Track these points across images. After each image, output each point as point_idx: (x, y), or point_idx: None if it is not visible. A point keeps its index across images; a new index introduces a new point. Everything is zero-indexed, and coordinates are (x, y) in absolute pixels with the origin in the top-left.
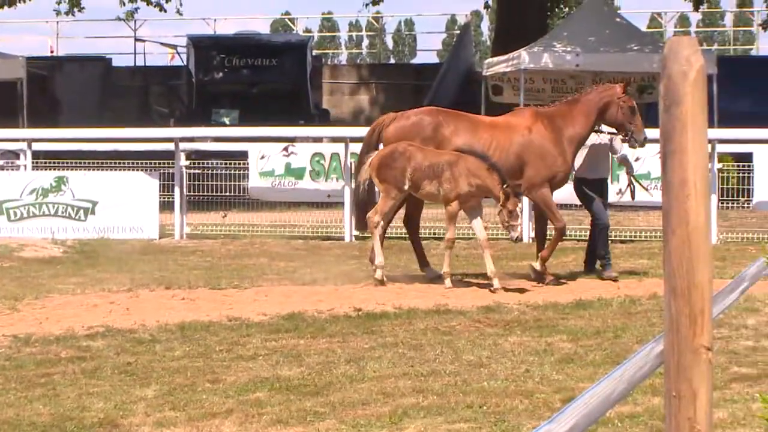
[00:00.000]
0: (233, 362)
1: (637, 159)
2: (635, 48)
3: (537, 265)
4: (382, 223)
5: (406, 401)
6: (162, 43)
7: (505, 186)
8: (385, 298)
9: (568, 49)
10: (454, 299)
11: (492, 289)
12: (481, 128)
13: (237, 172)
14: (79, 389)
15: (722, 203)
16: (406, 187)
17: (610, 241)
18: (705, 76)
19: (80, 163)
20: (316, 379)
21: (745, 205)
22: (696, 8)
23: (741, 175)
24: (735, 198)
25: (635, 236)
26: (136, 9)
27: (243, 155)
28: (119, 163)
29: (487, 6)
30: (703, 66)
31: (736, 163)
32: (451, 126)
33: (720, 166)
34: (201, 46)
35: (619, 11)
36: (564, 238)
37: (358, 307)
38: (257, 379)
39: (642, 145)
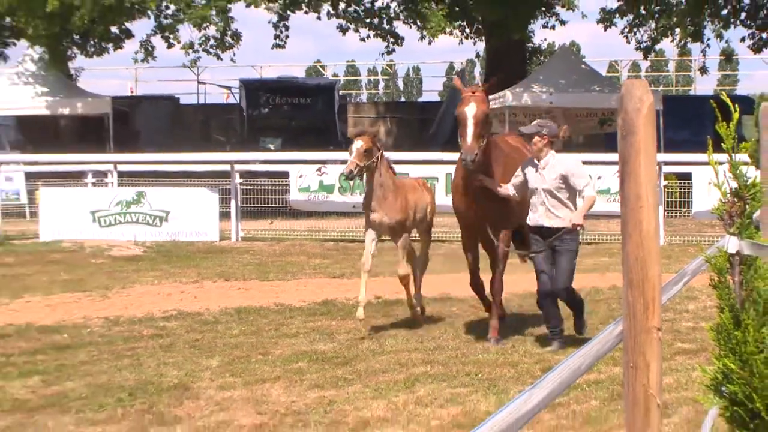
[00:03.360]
0: (279, 339)
1: (599, 177)
2: (597, 89)
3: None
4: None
5: (417, 370)
6: (219, 85)
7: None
8: (399, 288)
9: (543, 89)
10: (456, 289)
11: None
12: None
13: (280, 187)
14: (157, 360)
15: (668, 213)
16: None
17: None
18: (654, 112)
19: (156, 180)
20: (345, 352)
21: (686, 214)
22: (645, 57)
23: (682, 190)
24: (678, 209)
25: (598, 239)
26: (198, 58)
27: (285, 174)
28: (187, 180)
29: (478, 56)
30: (653, 103)
31: (678, 181)
32: None
33: (666, 183)
34: (251, 87)
35: (583, 59)
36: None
37: (378, 296)
38: (298, 353)
39: (467, 165)
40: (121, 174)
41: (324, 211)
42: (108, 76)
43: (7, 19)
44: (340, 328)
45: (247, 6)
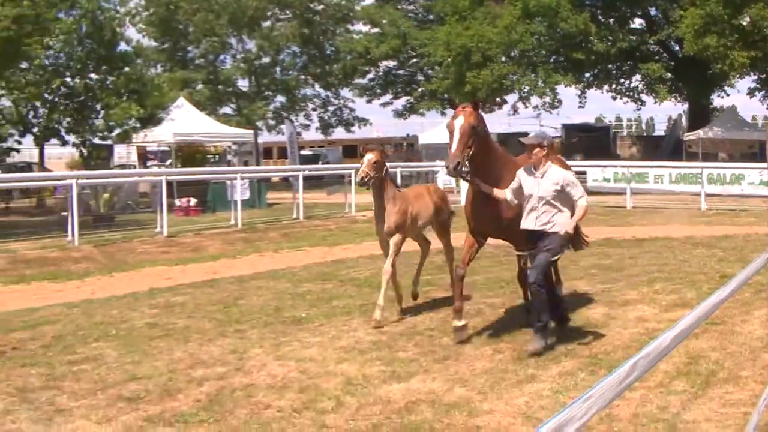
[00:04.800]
0: (579, 258)
1: (749, 175)
2: (746, 129)
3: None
4: None
5: (654, 275)
6: (552, 127)
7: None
8: (645, 232)
9: (718, 129)
10: (673, 231)
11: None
12: None
13: (581, 179)
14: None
15: None
16: None
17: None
18: None
19: None
20: (616, 265)
21: None
22: None
23: None
24: None
25: (748, 209)
26: (540, 113)
27: (584, 173)
28: None
29: (684, 111)
30: None
31: None
32: None
33: None
34: (567, 128)
35: (738, 113)
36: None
37: (635, 236)
38: (592, 265)
39: (449, 172)
40: None
41: (603, 191)
42: (492, 122)
43: (445, 95)
44: (613, 254)
45: (566, 86)
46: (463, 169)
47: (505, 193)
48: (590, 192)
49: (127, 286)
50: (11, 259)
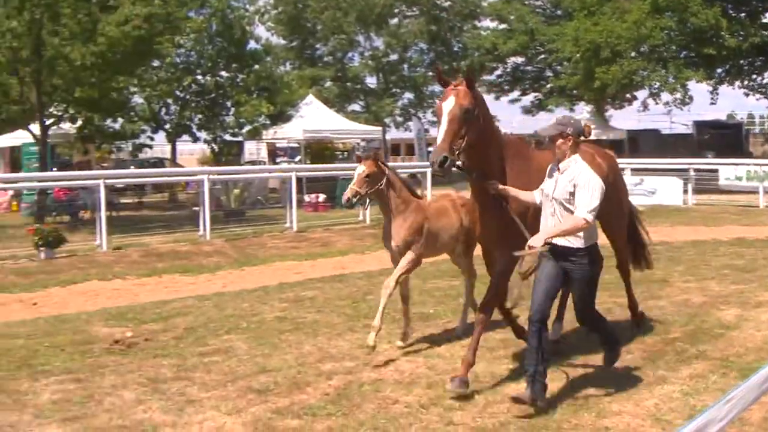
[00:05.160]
0: (714, 258)
1: None
2: None
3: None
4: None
5: (739, 277)
6: (682, 124)
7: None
8: (728, 232)
9: None
10: (754, 233)
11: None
12: None
13: (713, 175)
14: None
15: None
16: None
17: None
18: None
19: (648, 172)
20: (749, 265)
21: None
22: None
23: None
24: None
25: None
26: (671, 109)
27: (716, 171)
28: (664, 173)
29: None
30: None
31: None
32: None
33: None
34: (699, 124)
35: None
36: None
37: (734, 237)
38: (725, 265)
39: (435, 170)
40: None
41: (735, 190)
42: (622, 118)
43: (574, 91)
44: (746, 254)
45: (697, 82)
46: (456, 163)
47: (533, 196)
48: (722, 191)
49: (257, 280)
50: (144, 253)
